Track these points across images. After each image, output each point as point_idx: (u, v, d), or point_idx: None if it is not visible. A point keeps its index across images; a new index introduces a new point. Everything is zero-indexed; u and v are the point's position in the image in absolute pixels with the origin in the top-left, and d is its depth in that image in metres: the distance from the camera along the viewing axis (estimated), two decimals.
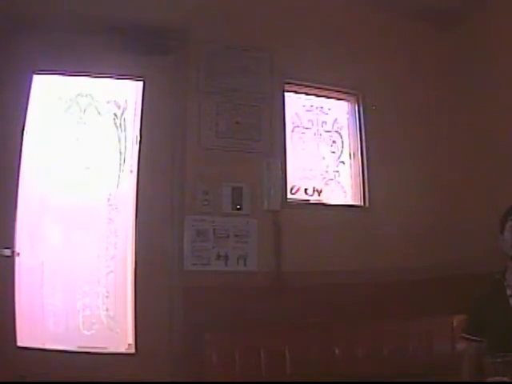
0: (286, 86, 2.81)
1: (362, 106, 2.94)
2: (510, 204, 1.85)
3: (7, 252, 2.22)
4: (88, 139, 2.49)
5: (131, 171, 2.50)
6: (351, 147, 2.94)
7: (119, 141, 2.53)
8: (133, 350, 2.33)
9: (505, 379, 1.32)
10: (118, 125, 2.54)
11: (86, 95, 2.53)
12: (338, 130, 2.97)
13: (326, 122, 2.95)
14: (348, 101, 3.00)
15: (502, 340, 1.65)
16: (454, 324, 2.36)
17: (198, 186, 2.48)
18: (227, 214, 2.50)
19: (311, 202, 2.80)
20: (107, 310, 2.38)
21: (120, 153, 2.52)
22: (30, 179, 2.36)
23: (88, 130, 2.50)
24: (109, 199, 2.47)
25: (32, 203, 2.36)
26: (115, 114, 2.55)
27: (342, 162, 2.93)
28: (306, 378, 2.18)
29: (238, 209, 2.52)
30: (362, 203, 2.84)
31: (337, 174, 2.91)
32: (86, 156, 2.47)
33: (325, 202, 2.82)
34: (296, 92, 2.88)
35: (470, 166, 2.94)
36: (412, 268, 2.69)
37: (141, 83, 2.57)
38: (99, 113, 2.54)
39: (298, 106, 2.89)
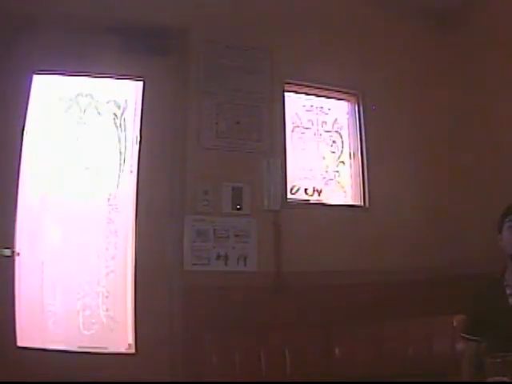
0: (286, 86, 2.81)
1: (361, 106, 2.94)
2: (508, 204, 1.86)
3: (7, 252, 2.22)
4: (88, 139, 2.49)
5: (131, 171, 2.50)
6: (351, 147, 2.94)
7: (119, 141, 2.53)
8: (133, 350, 2.33)
9: (505, 379, 1.32)
10: (118, 125, 2.54)
11: (86, 95, 2.53)
12: (338, 129, 2.97)
13: (326, 122, 2.95)
14: (348, 101, 3.00)
15: (502, 340, 1.65)
16: (454, 324, 2.35)
17: (198, 186, 2.48)
18: (227, 213, 2.50)
19: (311, 202, 2.80)
20: (107, 310, 2.38)
21: (120, 153, 2.52)
22: (30, 179, 2.36)
23: (88, 130, 2.50)
24: (109, 199, 2.47)
25: (32, 203, 2.36)
26: (115, 114, 2.55)
27: (342, 162, 2.93)
28: (306, 378, 2.18)
29: (238, 209, 2.52)
30: (362, 203, 2.84)
31: (337, 174, 2.91)
32: (86, 156, 2.47)
33: (325, 202, 2.82)
34: (296, 92, 2.88)
35: (469, 165, 2.94)
36: (412, 268, 2.69)
37: (141, 83, 2.57)
38: (99, 113, 2.54)
39: (298, 106, 2.89)
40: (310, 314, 2.44)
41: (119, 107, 2.56)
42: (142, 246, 2.40)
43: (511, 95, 2.69)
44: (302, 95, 2.91)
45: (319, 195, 2.84)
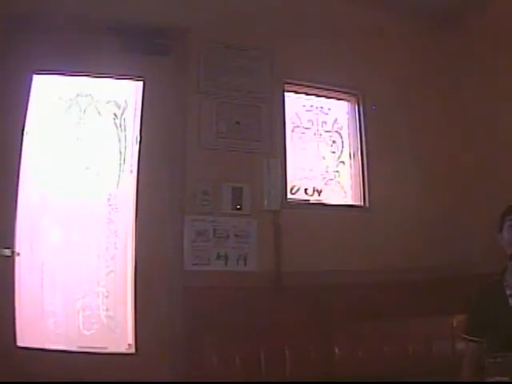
0: (286, 85, 2.80)
1: (362, 106, 2.94)
2: (508, 204, 1.86)
3: (7, 252, 2.21)
4: (88, 139, 2.49)
5: (131, 171, 2.50)
6: (351, 147, 2.94)
7: (119, 141, 2.53)
8: (133, 350, 2.33)
9: (505, 379, 1.32)
10: (118, 125, 2.54)
11: (86, 95, 2.52)
12: (338, 129, 2.96)
13: (325, 122, 2.95)
14: (348, 101, 3.00)
15: (502, 340, 1.65)
16: (454, 324, 2.36)
17: (198, 186, 2.48)
18: (227, 214, 2.50)
19: (311, 201, 2.80)
20: (107, 309, 2.38)
21: (120, 153, 2.52)
22: (30, 179, 2.36)
23: (88, 130, 2.50)
24: (109, 199, 2.47)
25: (32, 203, 2.36)
26: (115, 114, 2.55)
27: (342, 162, 2.93)
28: (306, 378, 2.18)
29: (238, 209, 2.52)
30: (362, 203, 2.84)
31: (337, 174, 2.91)
32: (86, 156, 2.47)
33: (325, 202, 2.82)
34: (296, 92, 2.88)
35: (469, 166, 2.94)
36: (412, 268, 2.69)
37: (141, 83, 2.57)
38: (99, 113, 2.54)
39: (298, 105, 2.89)
40: (310, 313, 2.43)
41: (119, 107, 2.56)
42: (141, 246, 2.40)
43: (511, 95, 2.69)
44: (302, 95, 2.91)
45: (319, 195, 2.84)
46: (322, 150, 2.91)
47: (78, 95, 2.51)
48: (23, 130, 2.35)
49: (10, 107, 2.33)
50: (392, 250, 2.72)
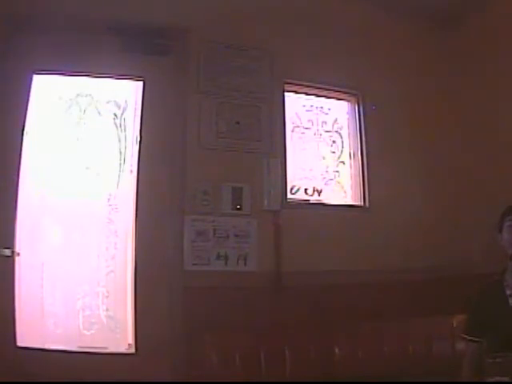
0: (286, 85, 2.81)
1: (362, 106, 2.94)
2: (508, 204, 1.86)
3: (7, 252, 2.22)
4: (88, 139, 2.49)
5: (131, 171, 2.50)
6: (351, 147, 2.94)
7: (119, 141, 2.53)
8: (133, 350, 2.33)
9: (505, 379, 1.32)
10: (118, 125, 2.54)
11: (86, 95, 2.53)
12: (338, 129, 2.97)
13: (325, 122, 2.95)
14: (348, 101, 3.00)
15: (502, 340, 1.66)
16: (454, 324, 2.36)
17: (198, 186, 2.48)
18: (227, 213, 2.50)
19: (311, 201, 2.80)
20: (107, 309, 2.38)
21: (120, 153, 2.52)
22: (30, 179, 2.36)
23: (88, 130, 2.50)
24: (109, 199, 2.47)
25: (32, 203, 2.36)
26: (115, 114, 2.55)
27: (342, 162, 2.93)
28: (306, 378, 2.18)
29: (238, 209, 2.52)
30: (362, 203, 2.84)
31: (337, 174, 2.91)
32: (86, 156, 2.47)
33: (325, 202, 2.82)
34: (296, 92, 2.88)
35: (469, 166, 2.94)
36: (412, 268, 2.69)
37: (141, 83, 2.57)
38: (99, 113, 2.54)
39: (298, 105, 2.89)
40: (310, 313, 2.43)
41: (119, 107, 2.56)
42: (141, 245, 2.40)
43: (511, 95, 2.69)
44: (302, 95, 2.91)
45: (319, 195, 2.84)
46: (322, 149, 2.91)
47: (78, 95, 2.52)
48: (23, 130, 2.35)
49: (10, 107, 2.33)
50: (392, 250, 2.72)
